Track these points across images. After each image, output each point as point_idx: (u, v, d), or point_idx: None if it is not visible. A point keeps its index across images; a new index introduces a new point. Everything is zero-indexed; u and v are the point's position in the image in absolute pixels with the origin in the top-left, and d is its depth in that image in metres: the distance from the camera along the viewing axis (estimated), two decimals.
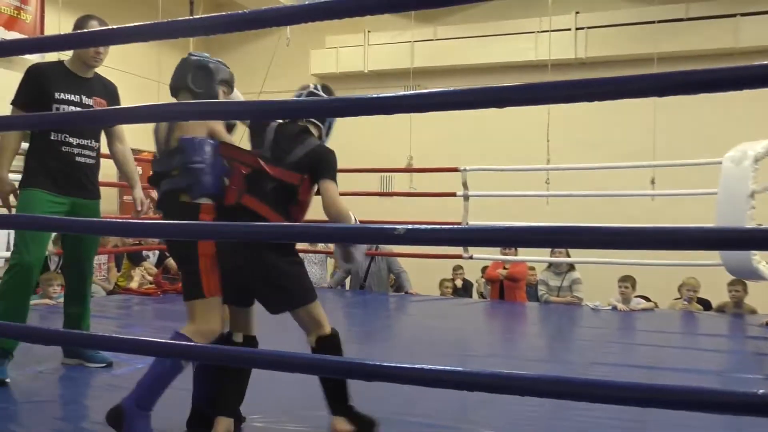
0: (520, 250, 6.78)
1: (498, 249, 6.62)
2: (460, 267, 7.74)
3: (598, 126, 8.35)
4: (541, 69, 8.37)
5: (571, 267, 6.07)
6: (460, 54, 9.01)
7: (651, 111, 7.62)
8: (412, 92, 1.58)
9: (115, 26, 1.89)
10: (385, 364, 1.58)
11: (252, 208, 2.27)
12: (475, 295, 7.47)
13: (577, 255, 6.24)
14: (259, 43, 9.82)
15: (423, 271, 7.66)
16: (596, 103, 6.30)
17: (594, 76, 6.35)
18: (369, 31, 9.49)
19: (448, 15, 9.12)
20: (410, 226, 1.54)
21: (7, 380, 2.88)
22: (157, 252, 6.82)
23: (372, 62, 9.52)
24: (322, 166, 2.35)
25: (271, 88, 9.11)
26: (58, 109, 3.06)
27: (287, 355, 1.72)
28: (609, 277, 5.99)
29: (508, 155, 7.90)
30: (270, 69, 8.03)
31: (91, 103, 3.14)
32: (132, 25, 1.80)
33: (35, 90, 3.06)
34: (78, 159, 3.12)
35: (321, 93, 2.56)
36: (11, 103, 3.10)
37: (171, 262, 6.05)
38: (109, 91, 3.30)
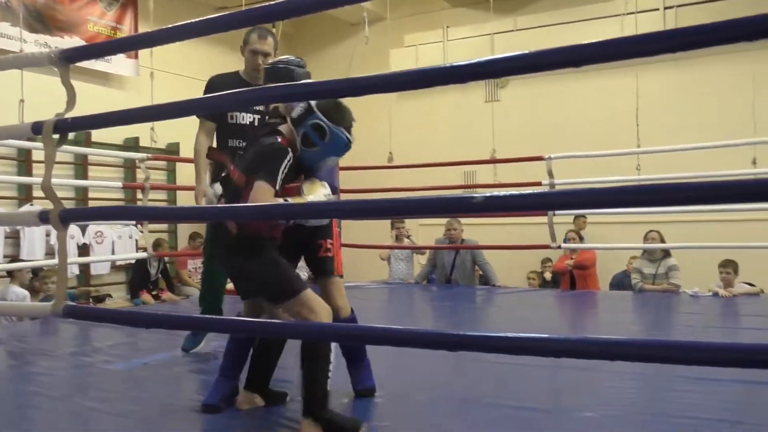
0: (611, 237, 6.57)
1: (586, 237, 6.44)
2: (548, 259, 7.57)
3: (691, 109, 7.94)
4: None
5: (667, 253, 5.80)
6: (542, 44, 8.65)
7: (750, 88, 7.20)
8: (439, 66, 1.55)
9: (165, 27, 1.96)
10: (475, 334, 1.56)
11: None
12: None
13: (672, 241, 5.97)
14: (339, 44, 9.98)
15: (510, 264, 7.54)
16: (688, 85, 6.15)
17: (686, 57, 6.11)
18: (448, 27, 9.44)
19: (528, 4, 8.95)
20: (489, 193, 1.52)
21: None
22: None
23: (452, 58, 9.43)
24: (258, 164, 2.30)
25: None
26: (233, 118, 3.34)
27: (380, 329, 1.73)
28: (710, 263, 5.69)
29: (596, 144, 7.64)
30: (350, 70, 8.15)
31: (262, 110, 3.33)
32: (181, 24, 1.86)
33: None
34: None
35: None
36: (196, 115, 3.19)
37: None
38: None
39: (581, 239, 6.30)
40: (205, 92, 3.26)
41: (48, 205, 2.12)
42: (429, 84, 1.65)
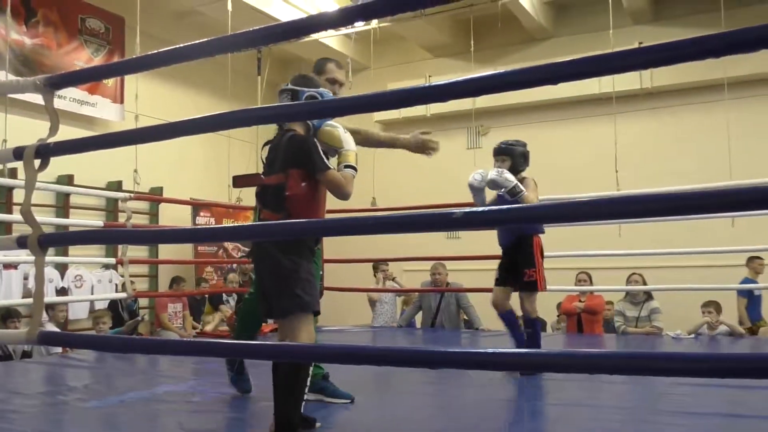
0: (595, 281, 6.60)
1: (572, 281, 6.46)
2: None
3: (668, 156, 8.13)
4: (606, 102, 8.26)
5: (649, 296, 5.83)
6: (521, 92, 8.95)
7: (725, 137, 7.38)
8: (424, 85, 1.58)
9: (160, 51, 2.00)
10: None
11: (264, 218, 2.46)
12: (549, 330, 7.25)
13: (654, 283, 6.01)
14: None
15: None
16: (666, 133, 6.30)
17: (662, 106, 6.36)
18: (430, 76, 9.65)
19: (509, 54, 9.19)
20: (467, 209, 1.54)
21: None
22: (235, 295, 6.97)
23: (434, 106, 9.62)
24: (303, 157, 2.43)
25: None
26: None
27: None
28: (692, 305, 5.72)
29: (576, 189, 7.75)
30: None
31: None
32: (168, 50, 1.90)
33: None
34: None
35: (318, 96, 2.63)
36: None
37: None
38: None
39: (591, 282, 6.33)
40: None
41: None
42: (410, 103, 1.69)
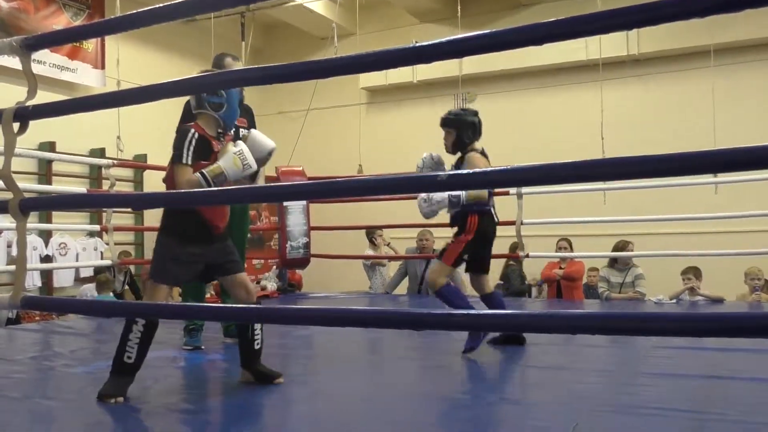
0: (577, 247, 6.66)
1: (554, 247, 6.51)
2: None
3: (653, 123, 8.14)
4: (592, 68, 8.22)
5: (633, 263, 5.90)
6: (508, 58, 8.90)
7: (710, 102, 7.40)
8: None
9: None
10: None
11: None
12: (535, 294, 7.33)
13: (638, 249, 6.08)
14: (308, 58, 9.99)
15: None
16: (651, 103, 6.27)
17: (648, 73, 6.29)
18: (416, 42, 9.54)
19: (496, 19, 9.10)
20: (452, 172, 1.54)
21: (202, 346, 3.67)
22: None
23: (420, 73, 9.55)
24: (173, 149, 2.67)
25: (321, 104, 9.30)
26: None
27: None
28: (674, 272, 5.79)
29: (562, 157, 7.74)
30: (319, 85, 8.17)
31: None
32: (148, 9, 1.86)
33: None
34: None
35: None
36: None
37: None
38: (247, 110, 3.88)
39: (572, 249, 6.37)
40: None
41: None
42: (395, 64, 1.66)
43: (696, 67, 8.02)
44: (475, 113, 3.75)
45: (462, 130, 3.62)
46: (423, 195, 3.49)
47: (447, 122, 3.66)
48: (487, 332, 3.51)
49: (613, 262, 5.99)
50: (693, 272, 5.45)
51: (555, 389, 2.77)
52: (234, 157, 2.62)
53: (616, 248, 6.01)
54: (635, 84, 8.44)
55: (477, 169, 1.53)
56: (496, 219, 3.71)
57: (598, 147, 7.41)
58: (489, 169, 1.48)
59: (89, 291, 6.72)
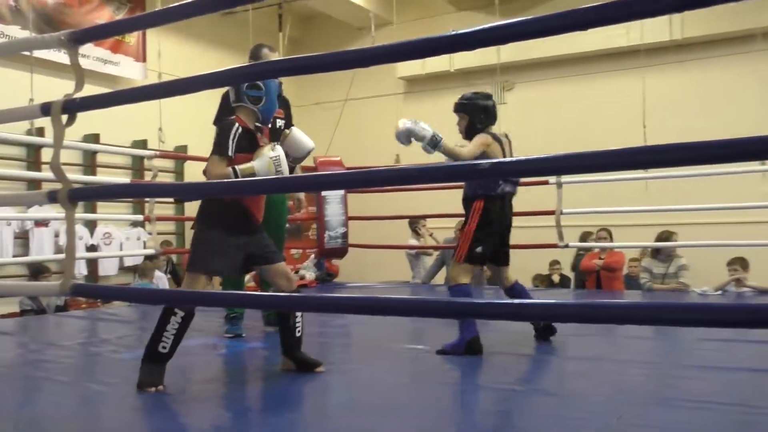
0: (618, 237, 6.55)
1: (594, 238, 6.42)
2: (557, 262, 7.53)
3: (697, 111, 7.92)
4: (633, 54, 8.07)
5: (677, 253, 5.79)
6: (547, 46, 8.78)
7: (756, 88, 7.19)
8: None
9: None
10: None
11: None
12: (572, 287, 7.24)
13: (681, 239, 5.95)
14: (345, 48, 10.01)
15: (513, 269, 7.50)
16: (694, 87, 6.09)
17: (692, 58, 6.10)
18: (453, 30, 9.46)
19: (535, 5, 8.97)
20: (494, 160, 1.53)
21: (243, 334, 3.74)
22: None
23: (458, 61, 9.47)
24: (214, 142, 2.73)
25: (358, 94, 9.31)
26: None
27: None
28: (720, 263, 5.65)
29: (603, 146, 7.60)
30: (356, 75, 8.18)
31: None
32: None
33: None
34: None
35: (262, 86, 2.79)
36: None
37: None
38: (285, 102, 3.85)
39: (612, 239, 6.27)
40: None
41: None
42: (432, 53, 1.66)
43: (741, 51, 7.78)
44: (489, 96, 3.58)
45: (474, 114, 3.46)
46: (412, 120, 3.21)
47: (458, 107, 3.52)
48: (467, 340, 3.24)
49: (656, 253, 5.87)
50: (739, 263, 5.31)
51: (596, 381, 2.74)
52: (269, 161, 2.66)
53: (659, 239, 5.89)
54: (678, 70, 8.23)
55: (518, 158, 1.51)
56: (509, 206, 3.48)
57: (639, 135, 7.29)
58: (530, 157, 1.46)
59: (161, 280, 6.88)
